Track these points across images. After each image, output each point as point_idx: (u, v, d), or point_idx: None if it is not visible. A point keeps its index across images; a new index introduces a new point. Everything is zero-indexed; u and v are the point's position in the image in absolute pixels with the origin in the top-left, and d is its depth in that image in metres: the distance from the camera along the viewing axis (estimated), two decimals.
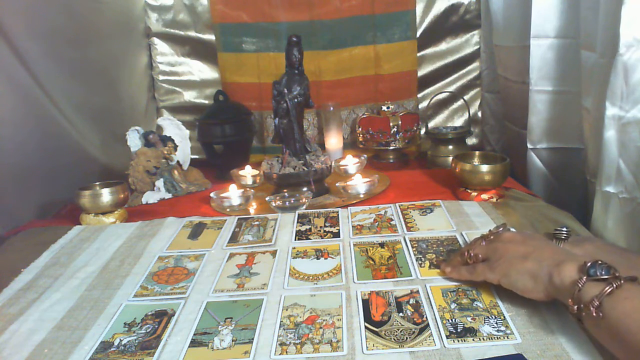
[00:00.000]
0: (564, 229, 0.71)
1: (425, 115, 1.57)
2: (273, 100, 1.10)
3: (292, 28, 1.49)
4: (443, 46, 1.59)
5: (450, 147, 1.39)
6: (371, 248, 0.83)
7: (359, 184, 1.11)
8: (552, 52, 1.08)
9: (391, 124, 1.47)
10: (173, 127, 1.31)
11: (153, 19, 1.58)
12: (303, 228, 0.93)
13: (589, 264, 0.53)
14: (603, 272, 0.52)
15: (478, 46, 1.57)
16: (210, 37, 1.58)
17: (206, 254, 0.86)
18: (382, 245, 0.84)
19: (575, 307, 0.53)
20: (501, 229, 0.70)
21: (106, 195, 1.03)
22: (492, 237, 0.69)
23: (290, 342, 0.60)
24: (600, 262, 0.53)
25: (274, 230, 0.93)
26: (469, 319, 0.62)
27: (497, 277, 0.63)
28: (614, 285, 0.50)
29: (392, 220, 0.94)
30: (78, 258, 0.87)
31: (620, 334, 0.48)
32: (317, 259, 0.81)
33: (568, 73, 1.06)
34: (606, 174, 0.85)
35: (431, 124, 1.58)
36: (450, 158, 1.16)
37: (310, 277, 0.75)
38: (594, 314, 0.50)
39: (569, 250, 0.64)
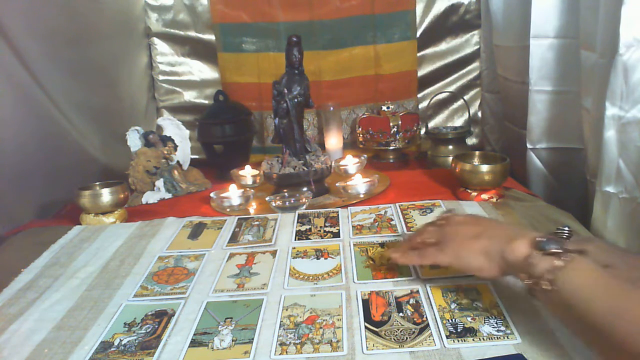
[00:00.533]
0: (566, 229, 0.70)
1: (425, 115, 1.57)
2: (273, 100, 1.10)
3: (292, 28, 1.49)
4: (443, 46, 1.59)
5: (450, 147, 1.39)
6: (371, 248, 0.83)
7: (359, 184, 1.11)
8: (552, 52, 1.08)
9: (391, 124, 1.47)
10: (173, 127, 1.31)
11: (153, 19, 1.58)
12: (303, 228, 0.93)
13: (539, 239, 0.55)
14: (554, 246, 0.53)
15: (478, 46, 1.57)
16: (210, 37, 1.58)
17: (206, 254, 0.86)
18: (382, 245, 0.84)
19: (528, 282, 0.54)
20: (450, 213, 0.70)
21: (106, 195, 1.03)
22: (442, 221, 0.69)
23: (290, 342, 0.60)
24: (550, 236, 0.55)
25: (274, 230, 0.93)
26: (469, 319, 0.62)
27: (449, 259, 0.64)
28: (565, 259, 0.51)
29: (392, 220, 0.94)
30: (78, 258, 0.87)
31: (571, 305, 0.50)
32: (317, 259, 0.81)
33: (568, 73, 1.06)
34: (606, 174, 0.85)
35: (431, 124, 1.58)
36: (450, 158, 1.16)
37: (310, 277, 0.75)
38: (546, 287, 0.51)
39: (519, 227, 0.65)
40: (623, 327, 0.45)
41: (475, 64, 1.59)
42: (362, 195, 1.10)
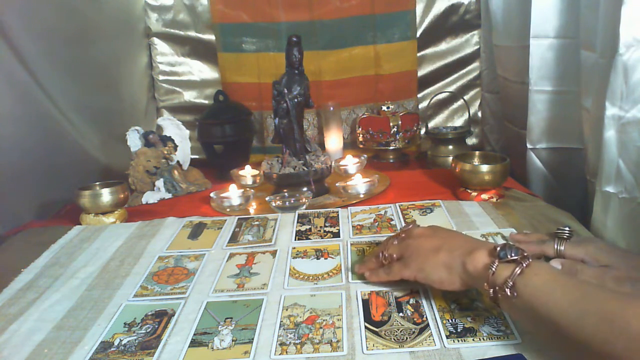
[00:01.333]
0: (567, 229, 0.70)
1: (425, 115, 1.57)
2: (273, 100, 1.10)
3: (292, 28, 1.49)
4: (443, 46, 1.59)
5: (450, 147, 1.39)
6: (368, 248, 0.83)
7: (359, 184, 1.11)
8: (552, 52, 1.08)
9: (391, 124, 1.47)
10: (173, 127, 1.31)
11: (153, 19, 1.58)
12: (303, 228, 0.93)
13: (498, 248, 0.55)
14: (513, 254, 0.54)
15: (478, 46, 1.57)
16: (210, 37, 1.58)
17: (206, 254, 0.86)
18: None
19: (491, 291, 0.54)
20: (411, 225, 0.71)
21: (106, 195, 1.03)
22: (403, 235, 0.69)
23: (290, 342, 0.60)
24: (509, 244, 0.56)
25: (274, 230, 0.93)
26: (469, 319, 0.62)
27: (413, 273, 0.64)
28: (524, 265, 0.53)
29: (392, 220, 0.94)
30: (78, 258, 0.87)
31: (533, 309, 0.50)
32: (317, 259, 0.81)
33: (568, 73, 1.06)
34: (606, 174, 0.85)
35: (431, 124, 1.58)
36: (450, 158, 1.16)
37: (310, 277, 0.75)
38: (509, 294, 0.52)
39: (477, 239, 0.65)
40: (585, 326, 0.46)
41: (475, 64, 1.59)
42: (362, 195, 1.10)
